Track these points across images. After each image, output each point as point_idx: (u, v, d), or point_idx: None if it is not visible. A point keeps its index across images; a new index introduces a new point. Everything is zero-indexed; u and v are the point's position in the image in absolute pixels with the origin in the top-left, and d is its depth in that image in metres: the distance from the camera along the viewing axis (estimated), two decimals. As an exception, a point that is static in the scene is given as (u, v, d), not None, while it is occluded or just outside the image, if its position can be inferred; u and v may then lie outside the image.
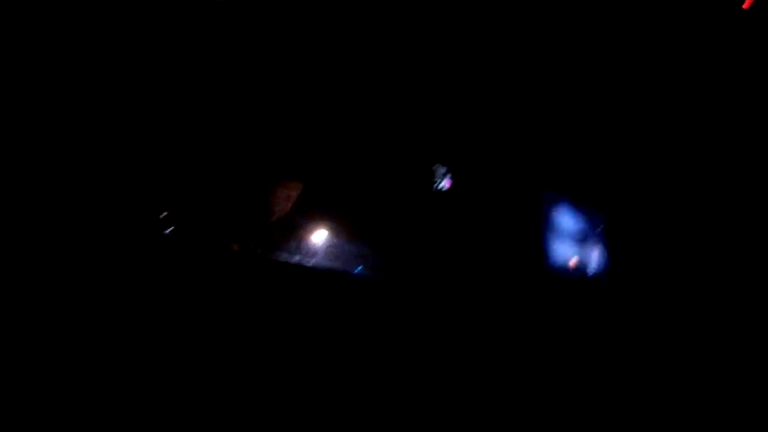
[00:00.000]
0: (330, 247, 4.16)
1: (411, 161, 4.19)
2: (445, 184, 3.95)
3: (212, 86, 4.05)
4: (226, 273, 3.91)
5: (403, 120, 4.18)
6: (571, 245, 4.24)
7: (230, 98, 4.11)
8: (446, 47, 4.08)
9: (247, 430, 3.50)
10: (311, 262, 4.11)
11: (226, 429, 3.48)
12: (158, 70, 3.88)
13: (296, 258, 4.11)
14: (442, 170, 3.96)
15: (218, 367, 3.68)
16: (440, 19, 4.04)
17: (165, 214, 3.87)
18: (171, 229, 3.99)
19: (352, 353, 3.85)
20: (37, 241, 3.58)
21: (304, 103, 4.17)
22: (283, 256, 4.08)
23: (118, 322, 3.58)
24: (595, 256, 4.24)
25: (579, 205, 4.27)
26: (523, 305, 4.05)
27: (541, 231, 4.18)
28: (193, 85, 4.05)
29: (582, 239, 4.26)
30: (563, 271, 4.18)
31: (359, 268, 4.01)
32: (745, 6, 3.49)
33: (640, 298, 4.08)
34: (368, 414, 3.71)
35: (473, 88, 4.18)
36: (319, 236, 4.16)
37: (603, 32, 4.03)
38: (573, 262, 4.18)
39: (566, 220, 4.27)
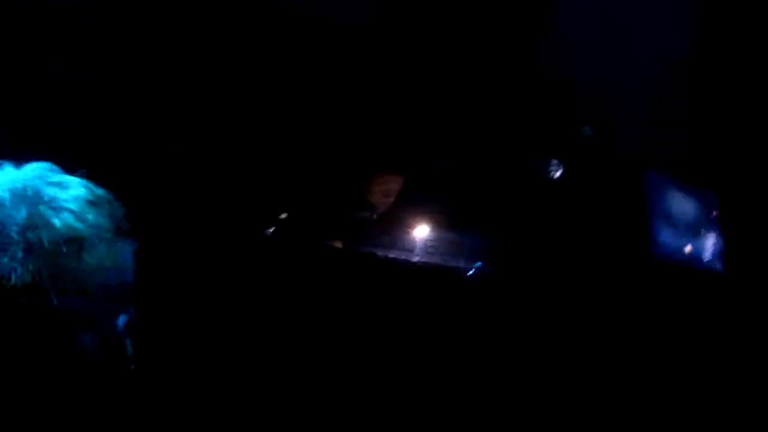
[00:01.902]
0: (435, 241, 4.03)
1: (515, 150, 4.04)
2: (556, 174, 3.79)
3: (305, 84, 3.91)
4: (331, 272, 3.81)
5: (501, 109, 4.03)
6: (683, 231, 4.07)
7: (325, 95, 3.97)
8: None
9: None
10: (418, 258, 3.99)
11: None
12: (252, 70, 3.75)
13: (400, 254, 3.99)
14: (554, 161, 3.80)
15: (322, 366, 3.61)
16: None
17: (284, 215, 3.76)
18: (273, 229, 3.88)
19: (470, 354, 3.76)
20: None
21: (401, 94, 4.02)
22: (389, 253, 3.96)
23: (225, 323, 3.51)
24: (710, 243, 4.07)
25: (690, 187, 4.09)
26: (635, 296, 3.92)
27: (648, 217, 4.00)
28: (285, 83, 3.91)
29: (695, 224, 4.10)
30: (676, 259, 4.02)
31: (478, 264, 3.87)
32: None
33: (762, 289, 3.93)
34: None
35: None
36: (422, 230, 4.02)
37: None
38: (687, 249, 4.02)
39: (676, 203, 4.10)
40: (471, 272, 3.95)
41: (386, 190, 4.02)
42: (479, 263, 3.96)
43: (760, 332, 3.62)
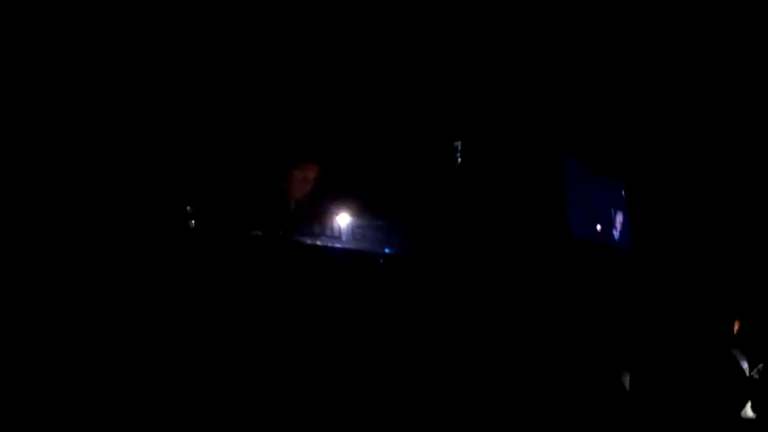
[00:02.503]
0: (354, 227, 4.06)
1: (428, 137, 4.12)
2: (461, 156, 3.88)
3: (223, 76, 3.91)
4: (253, 259, 3.80)
5: (416, 95, 4.10)
6: (594, 212, 4.23)
7: (242, 86, 3.98)
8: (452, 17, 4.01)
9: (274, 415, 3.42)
10: (336, 244, 4.01)
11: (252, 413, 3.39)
12: (173, 63, 3.73)
13: (320, 240, 4.00)
14: (458, 144, 3.90)
15: (249, 352, 3.60)
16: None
17: (189, 208, 3.73)
18: (193, 221, 3.84)
19: (382, 334, 3.79)
20: (67, 237, 3.44)
21: (316, 84, 4.06)
22: (307, 240, 3.97)
23: (148, 314, 3.47)
24: (618, 222, 4.24)
25: (600, 172, 4.26)
26: (550, 273, 4.03)
27: (562, 198, 4.14)
28: (204, 76, 3.91)
29: (605, 206, 4.25)
30: (589, 239, 4.16)
31: (386, 250, 3.92)
32: None
33: (666, 264, 4.10)
34: (395, 396, 3.66)
35: (488, 55, 4.12)
36: (342, 218, 4.05)
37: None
38: (598, 229, 4.17)
39: (588, 186, 4.25)
40: (382, 259, 4.00)
41: (303, 178, 4.03)
42: (388, 249, 4.01)
43: (662, 302, 3.78)
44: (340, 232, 4.09)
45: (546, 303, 3.96)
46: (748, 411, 2.96)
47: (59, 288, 3.32)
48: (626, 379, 3.20)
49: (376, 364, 3.78)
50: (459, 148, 3.90)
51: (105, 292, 3.38)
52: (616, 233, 4.21)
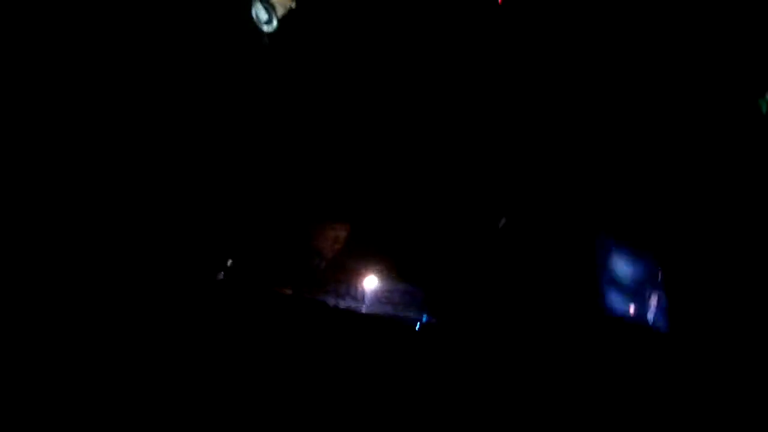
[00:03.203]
0: (382, 291, 4.01)
1: (464, 205, 4.12)
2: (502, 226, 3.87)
3: (260, 134, 4.01)
4: (279, 317, 3.77)
5: (452, 162, 4.13)
6: (628, 292, 4.14)
7: (272, 142, 4.06)
8: (493, 92, 4.08)
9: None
10: (363, 307, 3.96)
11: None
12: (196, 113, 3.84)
13: (348, 303, 3.96)
14: (502, 219, 3.89)
15: (274, 416, 3.52)
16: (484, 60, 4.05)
17: (230, 261, 3.77)
18: (222, 274, 3.85)
19: (413, 402, 3.69)
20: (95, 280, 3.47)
21: (349, 143, 4.12)
22: (335, 301, 3.93)
23: (173, 366, 3.45)
24: (653, 303, 4.13)
25: (635, 251, 4.19)
26: (582, 350, 3.92)
27: (596, 276, 4.08)
28: (233, 128, 4.00)
29: (640, 286, 4.17)
30: (621, 317, 4.06)
31: (425, 316, 3.87)
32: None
33: (703, 348, 3.97)
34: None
35: (521, 132, 4.16)
36: (371, 280, 4.02)
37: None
38: (631, 309, 4.06)
39: (622, 265, 4.18)
40: (419, 324, 3.93)
41: (334, 237, 4.03)
42: (426, 315, 3.95)
43: (699, 384, 3.64)
44: (364, 296, 4.05)
45: (579, 378, 3.84)
46: None
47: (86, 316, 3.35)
48: None
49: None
50: (498, 222, 3.89)
51: (126, 329, 3.37)
52: (650, 313, 4.10)
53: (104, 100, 3.67)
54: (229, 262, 3.93)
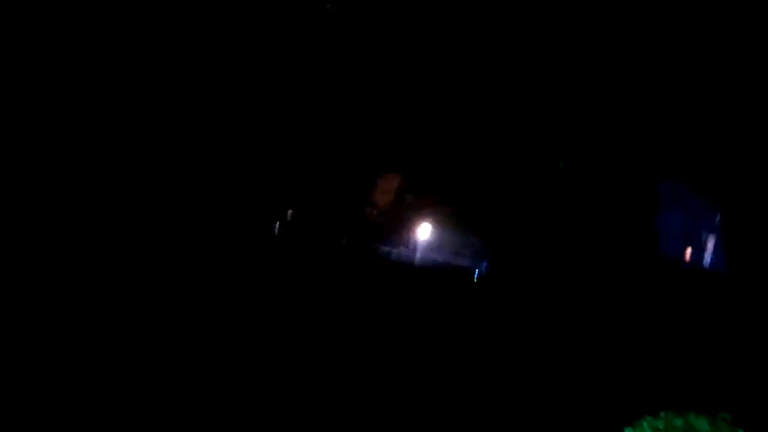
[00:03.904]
0: (436, 239, 4.03)
1: (519, 151, 4.05)
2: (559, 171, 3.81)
3: (317, 88, 3.93)
4: (339, 267, 3.82)
5: (509, 110, 4.04)
6: (685, 235, 4.11)
7: (329, 98, 3.99)
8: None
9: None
10: (416, 255, 3.99)
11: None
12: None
13: (399, 250, 3.98)
14: (561, 164, 3.83)
15: (327, 360, 3.61)
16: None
17: (290, 212, 3.78)
18: (279, 225, 3.88)
19: (470, 349, 3.75)
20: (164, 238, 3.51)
21: (404, 96, 4.03)
22: (387, 249, 3.96)
23: (237, 313, 3.53)
24: (711, 247, 4.11)
25: (694, 195, 4.13)
26: (640, 295, 3.94)
27: (655, 220, 4.04)
28: (298, 89, 3.94)
29: (696, 229, 4.13)
30: (679, 261, 4.05)
31: (484, 263, 3.88)
32: None
33: (761, 290, 3.96)
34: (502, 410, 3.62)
35: (580, 79, 4.04)
36: (424, 229, 4.02)
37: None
38: (687, 253, 4.05)
39: (682, 207, 4.14)
40: (477, 272, 3.96)
41: (388, 188, 4.02)
42: (485, 263, 3.97)
43: (758, 330, 3.66)
44: (417, 244, 4.07)
45: (637, 323, 3.87)
46: None
47: (160, 275, 3.43)
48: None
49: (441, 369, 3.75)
50: (559, 165, 3.83)
51: (195, 283, 3.45)
52: (708, 255, 4.09)
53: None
54: (289, 213, 3.95)
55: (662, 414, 1.03)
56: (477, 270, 3.94)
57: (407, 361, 3.70)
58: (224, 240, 3.72)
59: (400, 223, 4.06)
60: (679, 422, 1.01)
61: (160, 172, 3.60)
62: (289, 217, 3.91)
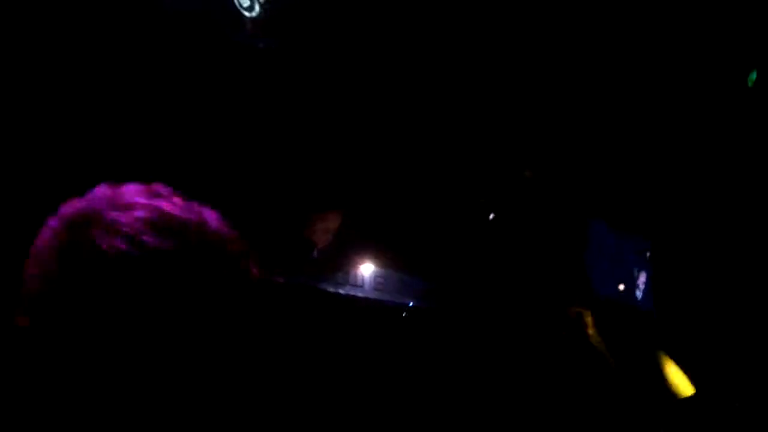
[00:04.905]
0: (377, 277, 4.06)
1: (454, 190, 4.14)
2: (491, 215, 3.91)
3: (249, 125, 3.96)
4: (273, 305, 3.80)
5: (442, 148, 4.13)
6: (617, 271, 4.21)
7: (259, 135, 4.03)
8: (481, 77, 4.05)
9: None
10: (359, 293, 4.01)
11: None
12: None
13: (344, 289, 4.00)
14: (489, 204, 3.92)
15: (270, 402, 3.58)
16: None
17: None
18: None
19: (407, 384, 3.78)
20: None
21: (339, 133, 4.10)
22: (330, 288, 3.98)
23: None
24: (642, 282, 4.21)
25: (622, 230, 4.25)
26: (571, 330, 4.01)
27: (585, 257, 4.14)
28: (225, 119, 3.96)
29: (628, 265, 4.24)
30: (610, 297, 4.14)
31: (410, 302, 3.93)
32: None
33: (690, 326, 4.07)
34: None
35: (510, 115, 4.16)
36: (366, 267, 4.06)
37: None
38: (620, 288, 4.14)
39: (610, 245, 4.24)
40: (405, 312, 4.00)
41: (326, 227, 4.05)
42: (412, 303, 4.01)
43: (683, 363, 3.76)
44: (363, 281, 4.09)
45: (566, 357, 3.94)
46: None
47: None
48: None
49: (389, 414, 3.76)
50: (485, 205, 3.92)
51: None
52: (639, 293, 4.19)
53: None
54: None
55: None
56: (413, 307, 3.99)
57: (349, 398, 3.72)
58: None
59: (340, 261, 4.09)
60: None
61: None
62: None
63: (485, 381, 3.86)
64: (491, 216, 3.80)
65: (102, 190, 1.09)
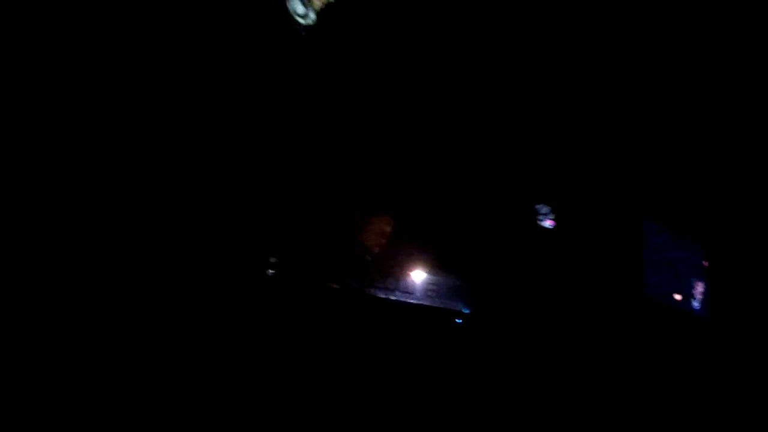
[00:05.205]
0: (428, 284, 4.07)
1: (511, 197, 4.13)
2: (547, 223, 3.90)
3: (307, 129, 4.00)
4: (327, 311, 3.84)
5: (499, 155, 4.13)
6: (673, 279, 4.19)
7: (313, 137, 4.06)
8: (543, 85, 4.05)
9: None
10: (410, 299, 4.03)
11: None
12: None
13: (395, 295, 4.02)
14: (545, 209, 3.91)
15: (325, 407, 3.61)
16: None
17: (273, 259, 3.80)
18: (272, 270, 3.91)
19: (457, 392, 3.78)
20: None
21: (390, 136, 4.11)
22: (381, 294, 4.00)
23: (223, 363, 3.52)
24: (698, 291, 4.19)
25: (680, 236, 4.22)
26: (626, 338, 3.99)
27: (642, 263, 4.12)
28: (280, 126, 4.00)
29: (684, 274, 4.21)
30: (666, 304, 4.12)
31: (466, 309, 3.93)
32: None
33: (744, 334, 4.03)
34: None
35: (569, 123, 4.14)
36: (417, 273, 4.07)
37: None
38: (676, 295, 4.12)
39: (666, 249, 4.22)
40: (460, 318, 4.01)
41: (380, 231, 4.07)
42: (467, 309, 4.01)
43: (736, 370, 3.72)
44: (414, 288, 4.11)
45: (620, 364, 3.92)
46: None
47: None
48: None
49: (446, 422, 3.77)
50: (540, 210, 3.91)
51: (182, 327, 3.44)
52: (693, 299, 4.16)
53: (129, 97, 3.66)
54: (273, 260, 3.97)
55: None
56: (466, 312, 3.99)
57: (401, 405, 3.73)
58: (208, 286, 3.74)
59: (392, 266, 4.11)
60: None
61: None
62: (274, 263, 3.93)
63: (537, 386, 3.86)
64: (543, 211, 3.77)
65: None
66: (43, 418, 2.92)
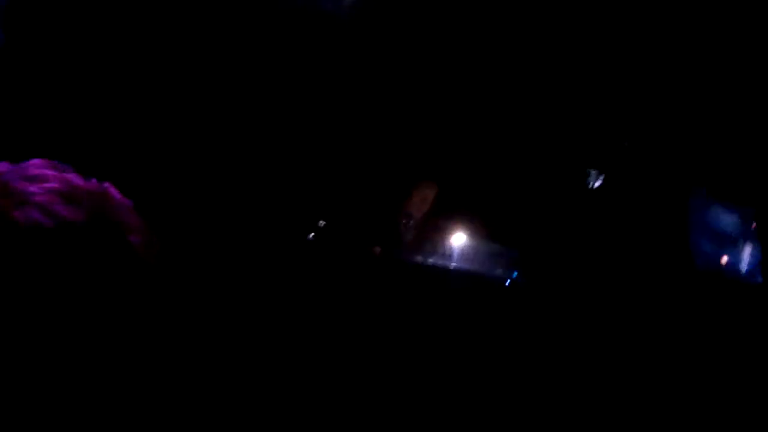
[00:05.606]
0: (471, 249, 4.07)
1: (557, 160, 4.08)
2: (596, 184, 3.83)
3: (350, 97, 4.01)
4: (370, 276, 3.88)
5: (545, 116, 4.08)
6: (721, 243, 4.07)
7: (356, 102, 4.07)
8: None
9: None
10: (451, 265, 4.03)
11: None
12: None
13: (434, 260, 4.03)
14: (594, 172, 3.85)
15: (360, 372, 3.65)
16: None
17: (321, 222, 3.86)
18: (313, 234, 3.96)
19: (499, 359, 3.77)
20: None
21: (436, 103, 4.10)
22: (422, 258, 4.02)
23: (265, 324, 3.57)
24: (747, 255, 4.06)
25: (729, 201, 4.10)
26: (674, 305, 3.91)
27: (689, 228, 4.02)
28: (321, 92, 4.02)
29: (733, 237, 4.09)
30: (714, 270, 4.01)
31: (514, 274, 3.91)
32: None
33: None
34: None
35: (620, 86, 4.06)
36: (459, 238, 4.07)
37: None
38: (723, 260, 4.01)
39: (712, 216, 4.11)
40: (508, 282, 3.99)
41: (423, 196, 4.08)
42: (516, 273, 3.99)
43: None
44: (452, 253, 4.11)
45: (666, 333, 3.85)
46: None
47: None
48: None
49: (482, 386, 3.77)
50: (588, 175, 3.85)
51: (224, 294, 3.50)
52: (744, 265, 4.04)
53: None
54: (321, 223, 4.02)
55: None
56: (510, 279, 3.97)
57: (442, 371, 3.74)
58: (255, 249, 3.80)
59: (434, 232, 4.11)
60: None
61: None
62: (320, 228, 3.99)
63: (582, 357, 3.81)
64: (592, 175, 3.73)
65: (5, 164, 1.10)
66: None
